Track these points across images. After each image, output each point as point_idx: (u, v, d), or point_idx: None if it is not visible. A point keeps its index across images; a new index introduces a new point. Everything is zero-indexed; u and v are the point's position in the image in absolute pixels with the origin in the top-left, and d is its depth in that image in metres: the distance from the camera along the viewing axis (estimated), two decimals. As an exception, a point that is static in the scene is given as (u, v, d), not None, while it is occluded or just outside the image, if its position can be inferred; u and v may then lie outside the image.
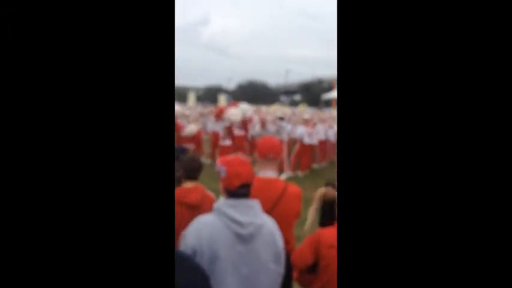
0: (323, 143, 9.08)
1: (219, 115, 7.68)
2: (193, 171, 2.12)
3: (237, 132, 7.58)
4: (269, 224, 1.50)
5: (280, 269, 1.52)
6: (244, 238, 1.37)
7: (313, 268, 1.70)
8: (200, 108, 12.43)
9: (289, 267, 1.72)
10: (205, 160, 7.71)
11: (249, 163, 1.49)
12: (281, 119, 8.42)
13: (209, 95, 48.58)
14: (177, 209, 1.87)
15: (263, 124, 8.39)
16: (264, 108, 15.24)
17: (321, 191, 1.99)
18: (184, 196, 1.97)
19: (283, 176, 7.03)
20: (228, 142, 7.30)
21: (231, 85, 58.85)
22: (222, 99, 25.17)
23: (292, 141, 8.13)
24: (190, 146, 6.76)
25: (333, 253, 1.51)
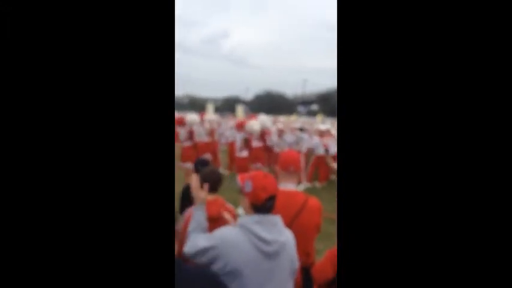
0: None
1: (241, 126, 7.73)
2: (214, 184, 2.13)
3: (255, 143, 7.60)
4: (290, 237, 1.50)
5: (291, 286, 1.52)
6: (269, 255, 1.37)
7: (333, 283, 1.68)
8: (218, 119, 12.57)
9: (309, 281, 1.70)
10: (222, 171, 7.75)
11: (271, 175, 1.50)
12: (301, 130, 8.38)
13: (227, 106, 49.09)
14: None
15: (280, 134, 8.36)
16: (281, 119, 15.26)
17: None
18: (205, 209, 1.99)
19: (301, 187, 6.98)
20: (245, 153, 7.31)
21: (249, 96, 59.45)
22: (240, 110, 25.39)
23: (310, 152, 8.07)
24: (208, 157, 6.82)
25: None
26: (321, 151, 7.82)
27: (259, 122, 7.80)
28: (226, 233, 1.43)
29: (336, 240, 1.82)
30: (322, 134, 8.39)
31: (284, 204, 1.76)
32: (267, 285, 1.37)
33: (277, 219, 1.45)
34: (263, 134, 7.98)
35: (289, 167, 1.93)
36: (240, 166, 7.21)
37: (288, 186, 1.94)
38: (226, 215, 1.87)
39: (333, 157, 7.44)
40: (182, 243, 1.90)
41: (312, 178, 7.93)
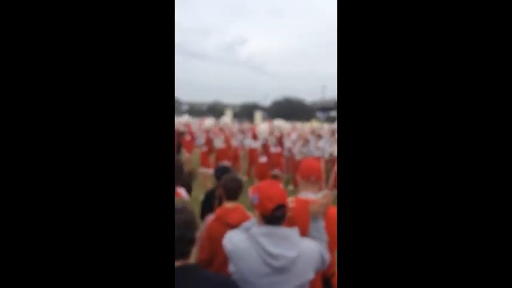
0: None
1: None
2: (233, 192, 2.14)
3: (273, 149, 7.59)
4: (307, 251, 1.44)
5: None
6: (277, 269, 1.35)
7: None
8: (237, 125, 12.66)
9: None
10: (241, 177, 7.76)
11: (280, 184, 1.49)
12: (321, 136, 8.31)
13: (245, 112, 49.30)
14: (218, 228, 1.91)
15: (304, 142, 8.29)
16: (299, 125, 15.18)
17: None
18: (225, 216, 2.01)
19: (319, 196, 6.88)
20: (264, 159, 7.30)
21: (267, 102, 59.51)
22: (258, 116, 25.44)
23: (333, 159, 7.96)
24: (227, 163, 6.87)
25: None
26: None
27: (267, 127, 7.77)
28: (238, 240, 1.43)
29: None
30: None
31: (303, 213, 1.75)
32: None
33: (289, 232, 1.41)
34: (280, 139, 7.95)
35: (310, 177, 1.92)
36: (258, 172, 7.21)
37: (308, 195, 1.93)
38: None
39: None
40: (204, 249, 1.93)
41: (335, 185, 7.82)
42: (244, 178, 8.14)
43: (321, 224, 1.58)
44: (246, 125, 13.91)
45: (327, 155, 7.74)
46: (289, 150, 8.03)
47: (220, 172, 2.50)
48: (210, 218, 2.08)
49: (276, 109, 53.18)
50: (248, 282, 1.36)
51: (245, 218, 2.05)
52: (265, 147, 7.60)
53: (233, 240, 1.45)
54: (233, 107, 49.68)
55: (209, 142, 7.89)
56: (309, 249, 1.47)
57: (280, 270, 1.35)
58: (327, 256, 1.51)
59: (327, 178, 7.69)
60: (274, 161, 7.50)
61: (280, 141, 7.98)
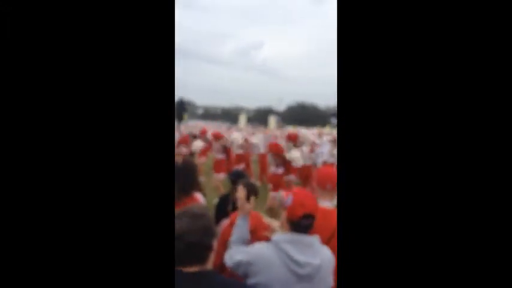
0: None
1: (294, 138, 7.58)
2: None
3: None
4: (327, 258, 1.46)
5: None
6: (302, 278, 1.35)
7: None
8: (251, 129, 12.69)
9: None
10: (254, 182, 7.72)
11: (315, 198, 1.49)
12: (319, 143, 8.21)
13: (259, 116, 49.43)
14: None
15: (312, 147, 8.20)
16: (314, 130, 15.12)
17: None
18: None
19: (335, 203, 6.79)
20: (280, 170, 7.14)
21: (281, 107, 59.52)
22: (272, 121, 25.45)
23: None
24: (241, 168, 6.86)
25: None
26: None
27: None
28: (261, 250, 1.43)
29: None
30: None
31: (320, 222, 1.74)
32: None
33: (313, 240, 1.43)
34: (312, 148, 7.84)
35: (326, 185, 1.91)
36: (272, 177, 7.14)
37: (324, 204, 1.91)
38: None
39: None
40: (219, 254, 1.93)
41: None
42: (257, 183, 8.12)
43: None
44: (260, 130, 13.91)
45: (319, 162, 7.59)
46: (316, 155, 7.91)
47: (235, 176, 2.50)
48: (225, 222, 2.08)
49: (290, 114, 53.15)
50: None
51: (261, 224, 2.05)
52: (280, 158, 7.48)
53: (254, 250, 1.44)
54: (247, 111, 49.93)
55: (228, 151, 7.83)
56: (328, 256, 1.48)
57: (305, 278, 1.35)
58: None
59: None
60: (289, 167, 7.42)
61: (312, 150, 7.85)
